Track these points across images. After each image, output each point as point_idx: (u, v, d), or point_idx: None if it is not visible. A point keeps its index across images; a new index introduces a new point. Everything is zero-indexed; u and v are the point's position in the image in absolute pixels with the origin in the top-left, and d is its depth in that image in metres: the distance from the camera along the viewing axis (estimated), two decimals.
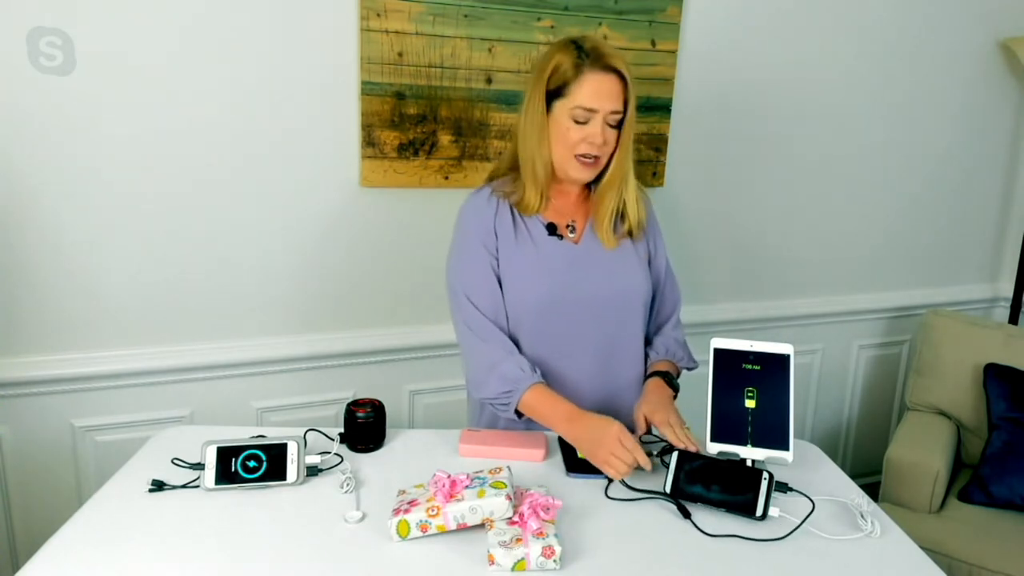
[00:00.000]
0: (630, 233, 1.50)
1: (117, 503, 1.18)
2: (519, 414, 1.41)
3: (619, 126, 1.41)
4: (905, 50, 2.48)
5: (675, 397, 1.47)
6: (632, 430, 1.39)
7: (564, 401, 1.37)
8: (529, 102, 1.42)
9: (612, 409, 1.47)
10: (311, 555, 1.07)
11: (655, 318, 1.60)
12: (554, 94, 1.39)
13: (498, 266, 1.45)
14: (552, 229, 1.47)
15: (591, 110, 1.37)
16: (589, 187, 1.53)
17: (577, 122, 1.38)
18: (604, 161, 1.44)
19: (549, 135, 1.41)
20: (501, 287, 1.45)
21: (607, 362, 1.50)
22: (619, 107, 1.38)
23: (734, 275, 2.47)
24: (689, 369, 1.59)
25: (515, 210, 1.47)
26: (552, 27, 1.99)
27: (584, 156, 1.40)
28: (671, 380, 1.49)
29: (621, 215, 1.50)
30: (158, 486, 1.22)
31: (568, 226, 1.49)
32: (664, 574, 1.07)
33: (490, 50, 1.96)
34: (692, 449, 1.29)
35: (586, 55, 1.37)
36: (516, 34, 1.96)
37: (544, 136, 1.41)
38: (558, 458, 1.37)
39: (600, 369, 1.49)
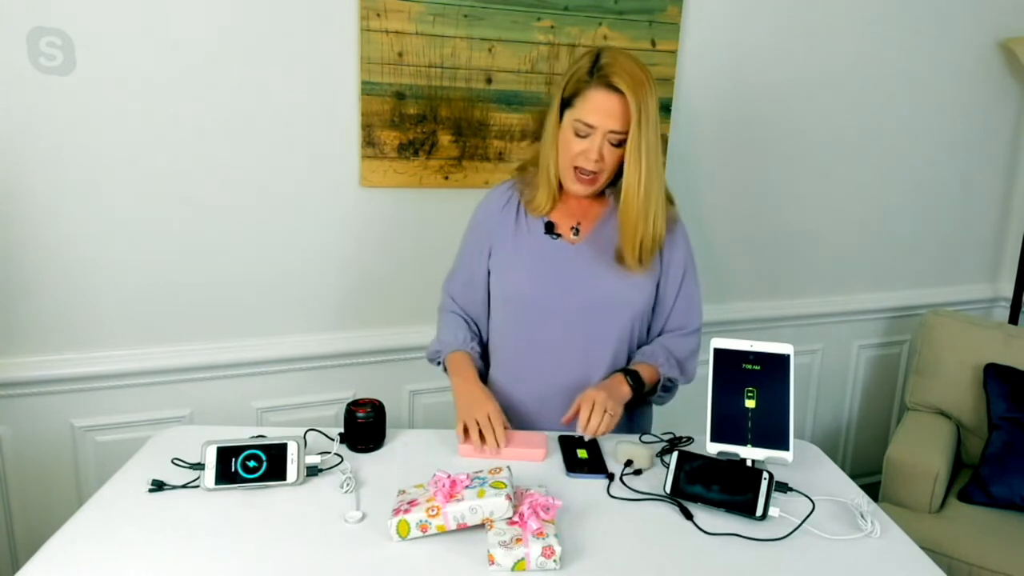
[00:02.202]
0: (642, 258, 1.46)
1: (117, 503, 1.18)
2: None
3: (621, 145, 1.38)
4: (905, 50, 2.47)
5: (643, 400, 1.50)
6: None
7: (473, 370, 1.49)
8: (551, 105, 1.44)
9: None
10: (311, 555, 1.07)
11: (655, 329, 1.56)
12: (567, 102, 1.40)
13: (490, 257, 1.51)
14: (550, 228, 1.48)
15: (590, 126, 1.37)
16: (604, 191, 1.51)
17: (578, 135, 1.38)
18: (603, 179, 1.43)
19: (559, 143, 1.42)
20: (489, 278, 1.53)
21: (583, 365, 1.49)
22: (619, 127, 1.36)
23: (734, 275, 2.46)
24: (672, 380, 1.52)
25: (521, 211, 1.51)
26: (552, 27, 1.99)
27: (581, 170, 1.41)
28: (637, 378, 1.45)
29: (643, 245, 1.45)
30: (158, 486, 1.22)
31: (572, 228, 1.50)
32: (664, 574, 1.07)
33: (490, 50, 1.96)
34: (586, 436, 1.37)
35: (597, 69, 1.36)
36: (516, 34, 1.96)
37: (554, 142, 1.43)
38: (558, 458, 1.37)
39: (575, 370, 1.49)
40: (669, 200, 1.51)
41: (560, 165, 1.43)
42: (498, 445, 1.34)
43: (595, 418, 1.34)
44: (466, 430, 1.36)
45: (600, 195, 1.51)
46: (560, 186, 1.47)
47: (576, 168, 1.41)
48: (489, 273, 1.53)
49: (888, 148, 2.56)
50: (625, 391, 1.43)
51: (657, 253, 1.48)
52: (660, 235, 1.45)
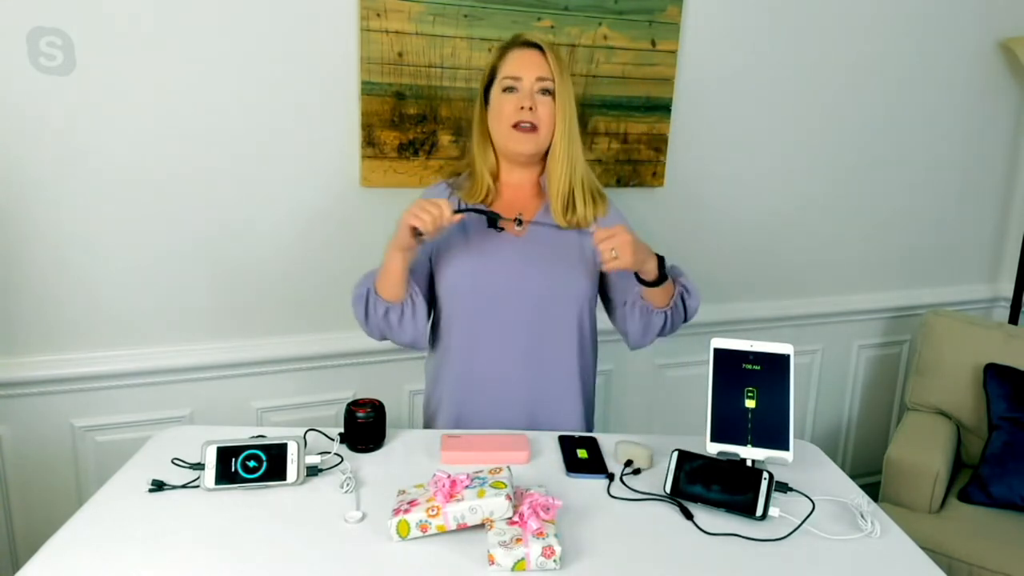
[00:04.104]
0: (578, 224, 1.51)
1: (117, 503, 1.18)
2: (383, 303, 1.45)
3: (550, 94, 1.47)
4: (905, 50, 2.47)
5: (663, 285, 1.43)
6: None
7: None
8: (475, 107, 1.56)
9: (541, 401, 1.52)
10: (311, 555, 1.07)
11: (625, 295, 1.54)
12: (488, 85, 1.51)
13: (434, 254, 1.52)
14: (493, 222, 1.48)
15: (516, 78, 1.46)
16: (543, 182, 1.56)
17: (506, 90, 1.47)
18: (544, 132, 1.48)
19: (489, 123, 1.51)
20: (434, 275, 1.53)
21: (537, 355, 1.51)
22: (545, 74, 1.46)
23: (734, 275, 2.46)
24: (686, 289, 1.51)
25: (462, 204, 1.52)
26: (552, 27, 1.99)
27: (519, 124, 1.46)
28: (662, 261, 1.44)
29: (572, 205, 1.50)
30: (158, 486, 1.22)
31: (516, 219, 1.51)
32: (664, 574, 1.07)
33: (490, 50, 1.95)
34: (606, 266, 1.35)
35: (510, 41, 1.52)
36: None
37: (485, 128, 1.52)
38: (558, 458, 1.38)
39: (529, 361, 1.51)
40: (601, 194, 1.57)
41: (499, 136, 1.49)
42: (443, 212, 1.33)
43: (607, 243, 1.33)
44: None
45: (538, 189, 1.55)
46: (495, 176, 1.54)
47: (514, 126, 1.47)
48: (432, 273, 1.54)
49: (888, 147, 2.56)
50: (651, 252, 1.41)
51: (591, 213, 1.50)
52: (589, 187, 1.52)
